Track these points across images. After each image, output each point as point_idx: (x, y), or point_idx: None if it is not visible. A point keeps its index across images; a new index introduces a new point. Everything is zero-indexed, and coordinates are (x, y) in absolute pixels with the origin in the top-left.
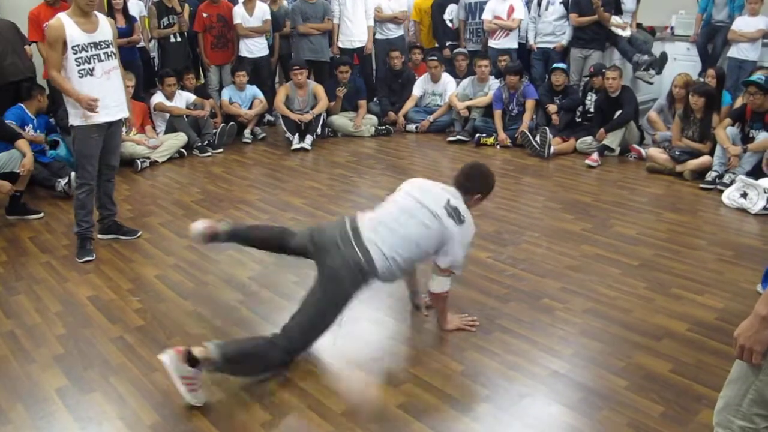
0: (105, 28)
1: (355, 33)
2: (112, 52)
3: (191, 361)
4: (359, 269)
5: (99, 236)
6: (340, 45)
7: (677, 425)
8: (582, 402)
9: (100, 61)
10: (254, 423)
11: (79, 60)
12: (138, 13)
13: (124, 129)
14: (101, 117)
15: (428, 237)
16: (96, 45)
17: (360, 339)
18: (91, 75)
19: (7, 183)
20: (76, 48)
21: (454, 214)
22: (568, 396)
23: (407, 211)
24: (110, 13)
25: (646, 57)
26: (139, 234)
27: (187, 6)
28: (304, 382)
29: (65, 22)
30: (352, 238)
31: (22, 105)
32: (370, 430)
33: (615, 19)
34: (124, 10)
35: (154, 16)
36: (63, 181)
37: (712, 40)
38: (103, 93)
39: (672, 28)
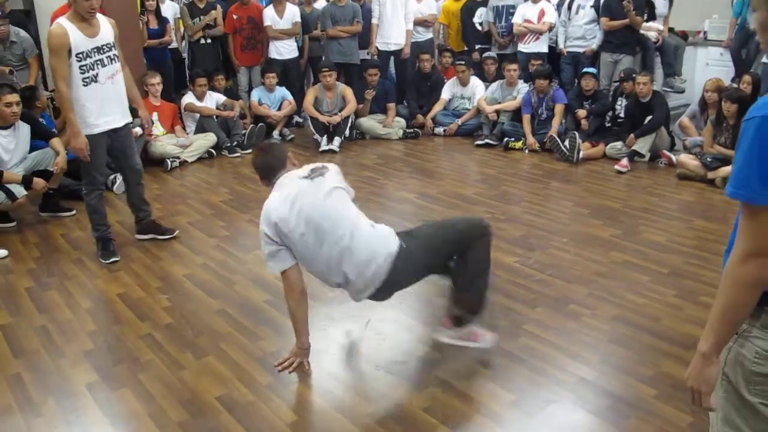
0: (106, 31)
1: (392, 36)
2: (114, 55)
3: (457, 321)
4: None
5: (137, 236)
6: (377, 46)
7: None
8: (609, 410)
9: (104, 66)
10: (281, 423)
11: (84, 68)
12: (172, 15)
13: (140, 128)
14: (104, 125)
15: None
16: (99, 49)
17: (386, 342)
18: (96, 82)
19: (41, 180)
20: (80, 55)
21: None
22: (595, 403)
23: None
24: (143, 14)
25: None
26: (176, 233)
27: (219, 8)
28: (331, 384)
29: (68, 27)
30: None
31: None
32: None
33: (650, 24)
34: (157, 12)
35: (187, 16)
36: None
37: (746, 44)
38: (107, 99)
39: (705, 32)
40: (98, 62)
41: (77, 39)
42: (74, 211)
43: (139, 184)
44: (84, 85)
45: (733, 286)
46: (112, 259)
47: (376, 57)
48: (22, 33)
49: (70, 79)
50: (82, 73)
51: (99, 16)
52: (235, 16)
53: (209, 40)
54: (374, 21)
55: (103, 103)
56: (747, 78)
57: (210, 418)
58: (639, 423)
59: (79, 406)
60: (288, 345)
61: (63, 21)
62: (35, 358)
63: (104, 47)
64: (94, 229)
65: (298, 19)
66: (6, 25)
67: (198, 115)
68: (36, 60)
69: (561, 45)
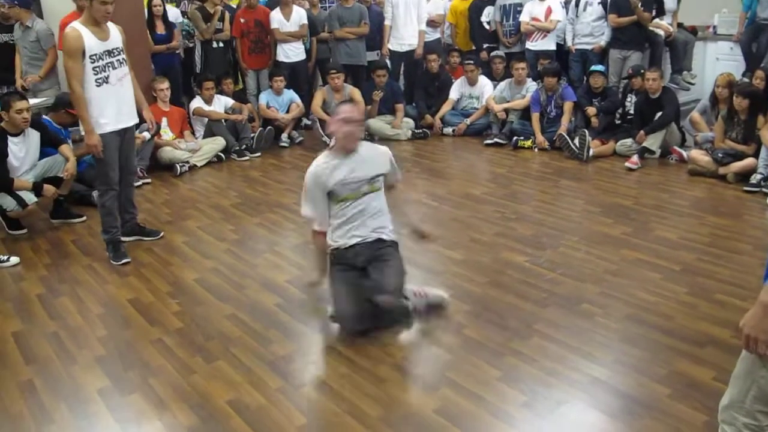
0: (116, 36)
1: (405, 36)
2: (123, 59)
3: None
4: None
5: (121, 238)
6: (390, 47)
7: None
8: (622, 410)
9: (114, 68)
10: (290, 426)
11: (96, 69)
12: (174, 20)
13: (146, 133)
14: (116, 124)
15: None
16: (110, 53)
17: (396, 343)
18: (107, 83)
19: (52, 187)
20: (94, 57)
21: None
22: (608, 403)
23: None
24: (150, 20)
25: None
26: (161, 235)
27: (227, 13)
28: (340, 386)
29: (82, 31)
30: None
31: (47, 117)
32: None
33: (659, 22)
34: (164, 17)
35: (199, 20)
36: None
37: (756, 38)
38: (118, 100)
39: (714, 27)
40: (109, 64)
41: (91, 42)
42: (85, 217)
43: (130, 185)
44: (97, 86)
45: None
46: (124, 261)
47: (387, 58)
48: (40, 22)
49: (84, 80)
50: (95, 74)
51: (108, 22)
52: (242, 20)
53: (221, 44)
54: (387, 22)
55: (115, 104)
56: (760, 73)
57: (220, 423)
58: (653, 423)
59: (91, 412)
60: (299, 349)
61: (77, 25)
62: (47, 365)
63: (114, 50)
64: (105, 231)
65: (305, 21)
66: (15, 8)
67: (207, 120)
68: (53, 51)
69: (569, 42)
